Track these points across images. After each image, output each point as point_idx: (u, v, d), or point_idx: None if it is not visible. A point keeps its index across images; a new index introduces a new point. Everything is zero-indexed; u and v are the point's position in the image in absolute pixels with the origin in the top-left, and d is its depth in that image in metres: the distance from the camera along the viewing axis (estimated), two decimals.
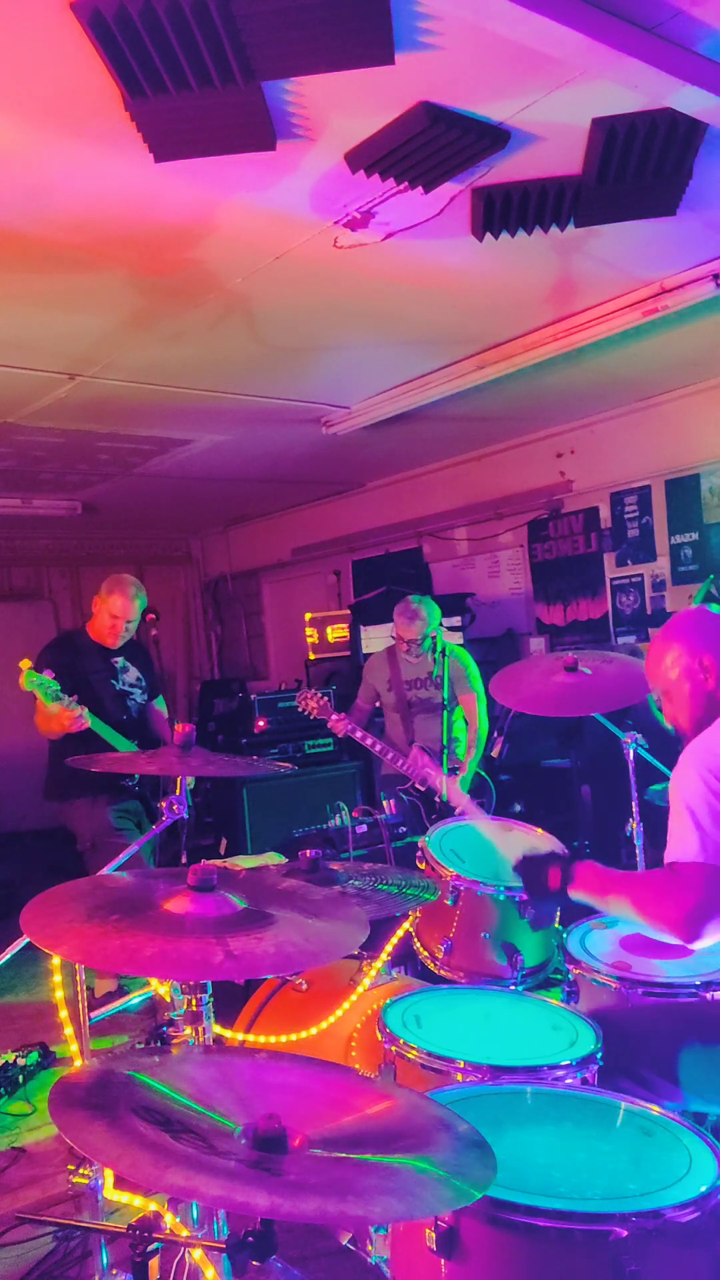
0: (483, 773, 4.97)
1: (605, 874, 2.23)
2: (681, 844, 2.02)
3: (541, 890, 2.29)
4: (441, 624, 5.18)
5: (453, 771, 4.71)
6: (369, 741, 4.75)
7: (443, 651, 4.86)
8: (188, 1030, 1.94)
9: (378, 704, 5.14)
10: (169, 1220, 1.64)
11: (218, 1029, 2.53)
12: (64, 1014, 2.38)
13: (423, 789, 4.75)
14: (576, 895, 2.24)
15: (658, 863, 2.14)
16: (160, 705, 4.79)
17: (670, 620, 2.45)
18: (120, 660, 4.62)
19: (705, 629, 2.33)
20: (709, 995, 2.46)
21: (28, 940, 1.79)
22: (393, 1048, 2.27)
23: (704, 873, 1.98)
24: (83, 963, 1.94)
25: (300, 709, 4.74)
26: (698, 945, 2.02)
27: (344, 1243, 2.16)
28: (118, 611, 4.49)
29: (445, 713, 4.73)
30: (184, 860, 3.62)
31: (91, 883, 2.07)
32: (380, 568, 8.02)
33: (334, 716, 4.69)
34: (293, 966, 1.86)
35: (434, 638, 4.90)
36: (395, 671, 5.00)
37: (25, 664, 4.08)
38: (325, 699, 4.72)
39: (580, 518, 6.64)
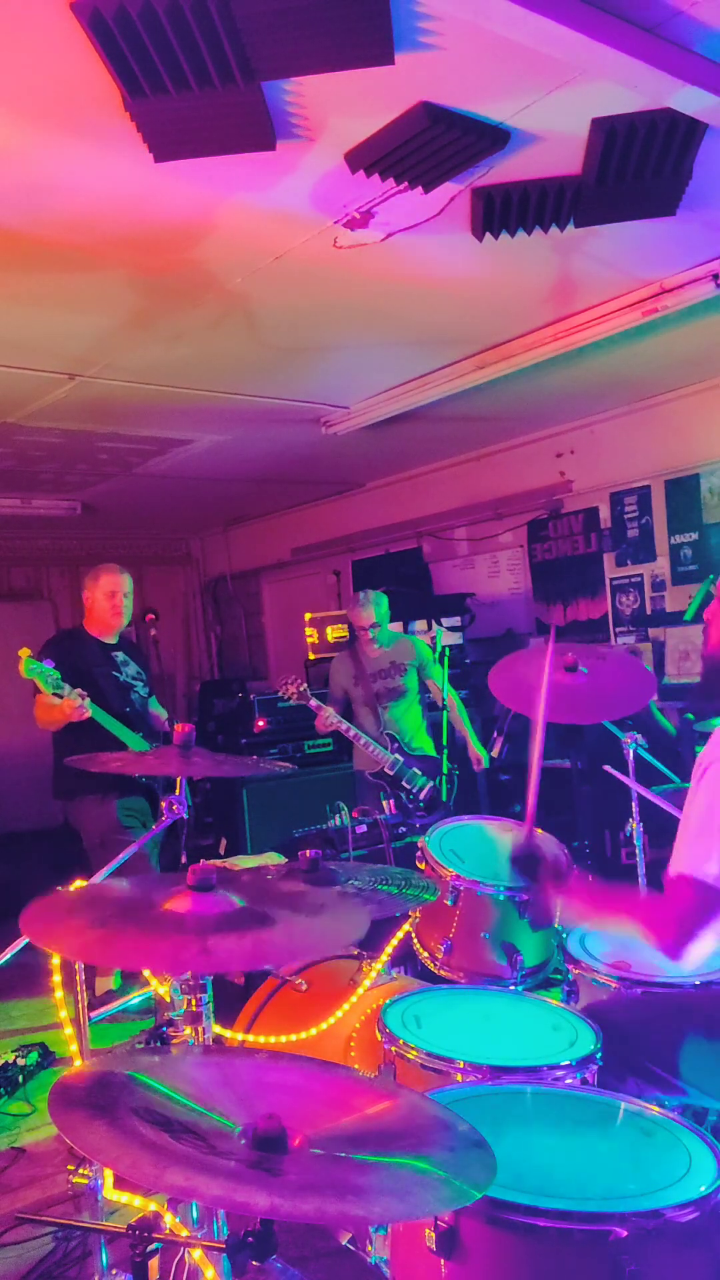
0: (448, 768, 5.12)
1: (598, 891, 2.15)
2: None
3: (534, 892, 2.25)
4: (441, 624, 5.37)
5: (452, 756, 5.01)
6: (344, 728, 4.97)
7: (406, 643, 5.22)
8: (188, 1030, 1.94)
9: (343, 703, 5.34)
10: (169, 1220, 1.64)
11: (218, 1029, 2.53)
12: (64, 1014, 2.38)
13: (391, 773, 4.96)
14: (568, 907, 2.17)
15: (657, 863, 2.12)
16: (155, 706, 4.82)
17: None
18: (120, 655, 4.70)
19: None
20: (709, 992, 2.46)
21: (27, 940, 1.79)
22: (393, 1048, 2.27)
23: (694, 888, 1.85)
24: (60, 953, 1.94)
25: (280, 693, 4.95)
26: (683, 963, 1.91)
27: (344, 1243, 2.16)
28: (113, 587, 4.62)
29: (444, 714, 5.01)
30: (184, 860, 3.62)
31: (93, 888, 2.08)
32: (380, 568, 8.01)
33: (313, 703, 4.89)
34: (267, 961, 1.85)
35: (397, 633, 5.27)
36: (360, 667, 5.21)
37: (25, 652, 4.12)
38: (304, 684, 4.91)
39: (580, 518, 6.64)
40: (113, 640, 4.71)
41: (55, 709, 4.22)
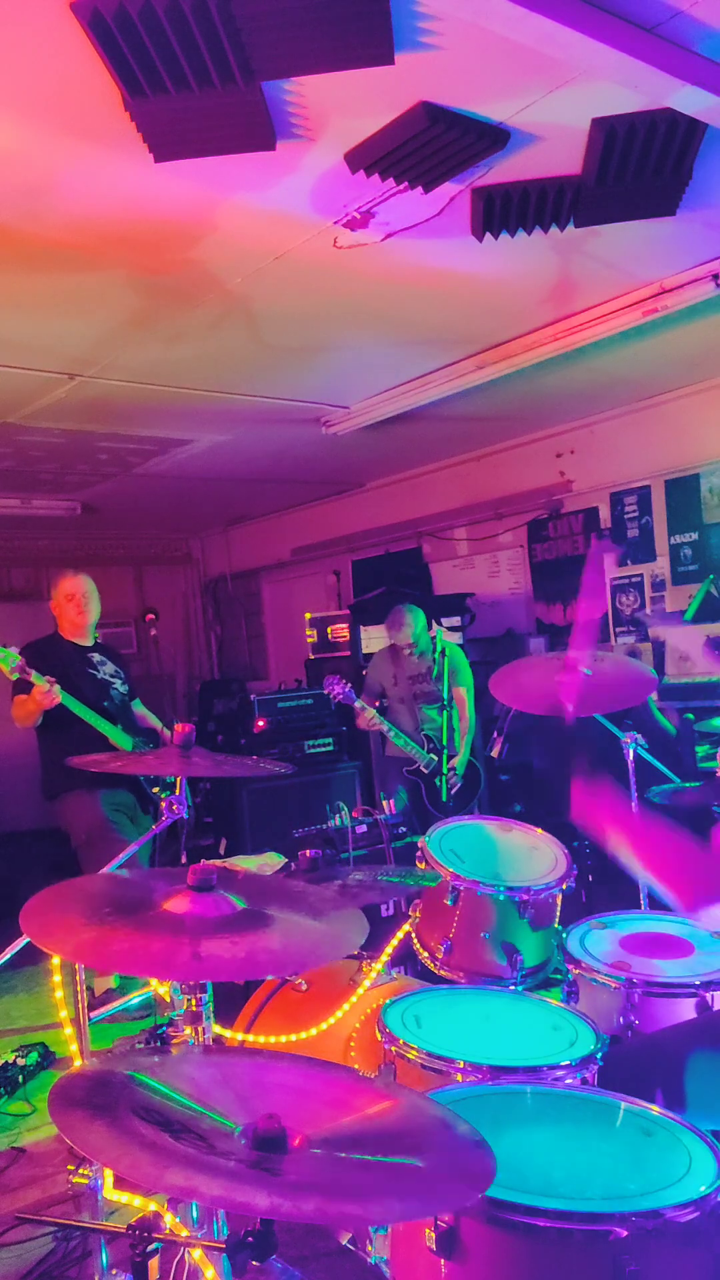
0: (476, 762, 5.41)
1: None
2: None
3: None
4: (440, 624, 5.78)
5: (451, 755, 5.22)
6: (384, 729, 5.23)
7: (442, 651, 5.32)
8: (188, 1030, 1.94)
9: (379, 701, 5.54)
10: (169, 1220, 1.64)
11: (218, 1029, 2.53)
12: (64, 1014, 2.38)
13: (426, 771, 5.23)
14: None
15: None
16: (139, 707, 4.85)
17: None
18: (96, 655, 4.79)
19: None
20: (708, 995, 2.46)
21: (27, 940, 1.79)
22: (393, 1048, 2.27)
23: None
24: (57, 953, 1.93)
25: (326, 692, 5.13)
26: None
27: (344, 1243, 2.16)
28: (71, 589, 4.71)
29: (445, 713, 5.16)
30: (184, 860, 3.62)
31: (93, 881, 2.07)
32: (380, 568, 8.01)
33: (358, 704, 5.11)
34: (261, 972, 1.84)
35: (434, 638, 5.43)
36: (400, 668, 5.47)
37: None
38: (350, 685, 5.09)
39: (580, 518, 6.64)
40: (87, 643, 4.79)
41: (28, 700, 4.27)
